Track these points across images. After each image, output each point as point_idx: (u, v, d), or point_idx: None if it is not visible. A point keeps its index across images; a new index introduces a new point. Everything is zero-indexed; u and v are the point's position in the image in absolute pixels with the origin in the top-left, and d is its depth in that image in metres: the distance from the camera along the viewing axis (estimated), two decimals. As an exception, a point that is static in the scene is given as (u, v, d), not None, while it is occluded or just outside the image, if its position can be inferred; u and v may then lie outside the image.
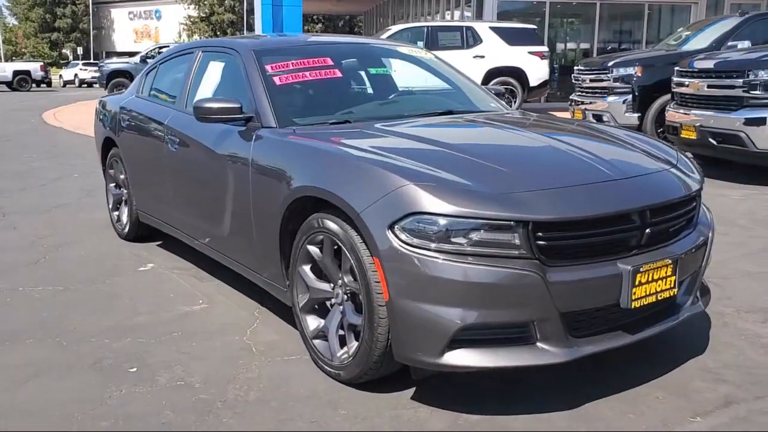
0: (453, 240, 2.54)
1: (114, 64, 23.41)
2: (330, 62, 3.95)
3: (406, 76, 4.30)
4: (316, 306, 3.16)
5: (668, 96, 9.53)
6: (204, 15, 59.96)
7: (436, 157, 2.90)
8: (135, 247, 5.23)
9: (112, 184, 5.55)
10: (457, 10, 22.28)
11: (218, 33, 58.99)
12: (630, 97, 9.75)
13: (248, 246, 3.56)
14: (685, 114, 8.03)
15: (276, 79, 3.75)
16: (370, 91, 4.22)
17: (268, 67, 3.81)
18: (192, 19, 60.50)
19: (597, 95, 10.33)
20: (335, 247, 2.96)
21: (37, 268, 4.73)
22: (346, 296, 2.97)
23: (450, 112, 3.86)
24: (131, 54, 40.40)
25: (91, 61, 47.58)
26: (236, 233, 3.68)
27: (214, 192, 3.81)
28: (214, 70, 4.23)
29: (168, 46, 25.53)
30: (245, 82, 3.77)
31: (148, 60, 22.88)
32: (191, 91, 4.34)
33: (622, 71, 9.83)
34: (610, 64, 10.01)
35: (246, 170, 3.44)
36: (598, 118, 9.98)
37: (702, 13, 16.73)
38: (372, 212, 2.67)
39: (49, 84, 37.75)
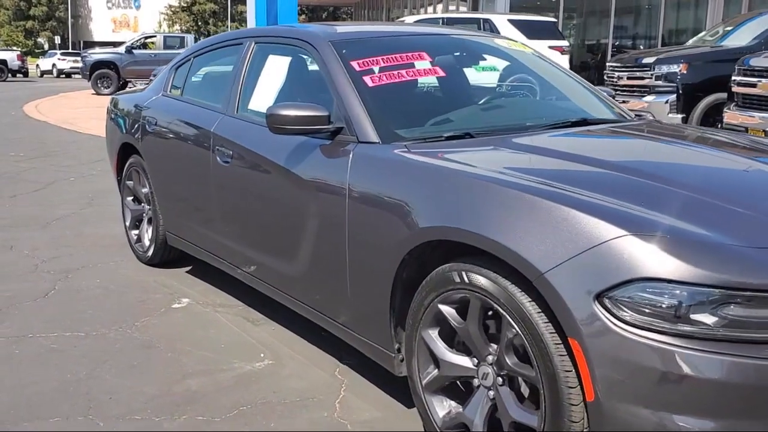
0: (695, 318, 1.78)
1: (98, 54, 22.30)
2: (427, 58, 3.15)
3: (508, 74, 3.52)
4: (447, 384, 2.38)
5: (716, 96, 8.86)
6: (185, 4, 58.57)
7: (636, 191, 2.12)
8: (161, 274, 4.39)
9: (130, 198, 4.71)
10: (452, 2, 21.54)
11: (200, 23, 57.76)
12: (674, 96, 9.04)
13: (337, 293, 2.77)
14: (750, 117, 7.34)
15: (367, 80, 2.94)
16: (477, 94, 3.43)
17: (354, 64, 3.00)
18: (173, 9, 59.08)
19: (634, 94, 9.61)
20: (487, 311, 2.18)
21: (46, 304, 3.88)
22: (500, 379, 2.19)
23: (585, 122, 3.09)
24: (109, 44, 39.12)
25: (70, 50, 46.10)
26: (317, 275, 2.89)
27: (286, 221, 3.01)
28: (276, 67, 3.41)
29: (154, 36, 24.54)
30: (328, 84, 2.97)
31: (134, 50, 21.88)
32: (244, 93, 3.51)
33: (665, 69, 9.12)
34: (651, 60, 9.29)
35: (339, 199, 2.64)
36: (637, 118, 9.27)
37: (720, 8, 16.13)
38: (565, 273, 1.89)
39: (26, 74, 36.35)
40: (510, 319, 2.05)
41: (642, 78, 9.40)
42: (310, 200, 2.82)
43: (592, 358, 1.84)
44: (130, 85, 22.57)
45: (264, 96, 3.37)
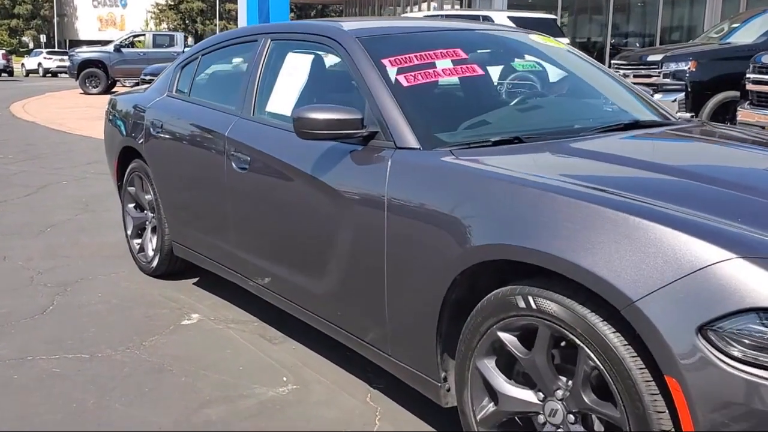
0: (817, 355, 1.54)
1: (85, 53, 21.86)
2: (463, 55, 2.90)
3: (549, 72, 3.27)
4: (505, 420, 2.13)
5: (725, 94, 8.69)
6: (173, 3, 58.05)
7: (733, 205, 1.88)
8: (166, 287, 4.12)
9: (132, 205, 4.43)
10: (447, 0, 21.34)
11: (187, 21, 57.26)
12: (682, 94, 8.84)
13: (371, 313, 2.52)
14: (765, 115, 7.15)
15: (401, 79, 2.69)
16: (516, 94, 3.18)
17: (385, 63, 2.75)
18: (160, 7, 58.53)
19: (640, 92, 9.40)
20: (559, 341, 1.94)
21: (45, 321, 3.60)
22: (571, 416, 1.94)
23: (638, 124, 2.84)
24: (96, 43, 38.53)
25: (56, 49, 45.50)
26: (348, 293, 2.63)
27: (312, 232, 2.75)
28: (296, 66, 3.15)
29: (143, 35, 24.14)
30: (358, 84, 2.71)
31: (123, 49, 21.49)
32: (261, 94, 3.25)
33: (673, 66, 8.93)
34: (658, 58, 9.09)
35: (377, 211, 2.39)
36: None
37: (718, 6, 15.98)
38: (661, 302, 1.65)
39: (10, 73, 35.81)
40: (589, 352, 1.81)
41: (649, 76, 9.20)
42: (341, 211, 2.57)
43: (694, 399, 1.60)
44: (118, 84, 22.22)
45: (284, 97, 3.11)
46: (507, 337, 2.04)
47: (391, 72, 2.71)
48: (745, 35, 9.66)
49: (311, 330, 3.02)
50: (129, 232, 4.45)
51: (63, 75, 34.24)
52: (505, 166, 2.19)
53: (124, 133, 4.33)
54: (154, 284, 4.16)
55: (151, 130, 3.94)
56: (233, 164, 3.19)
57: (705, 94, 8.87)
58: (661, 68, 8.99)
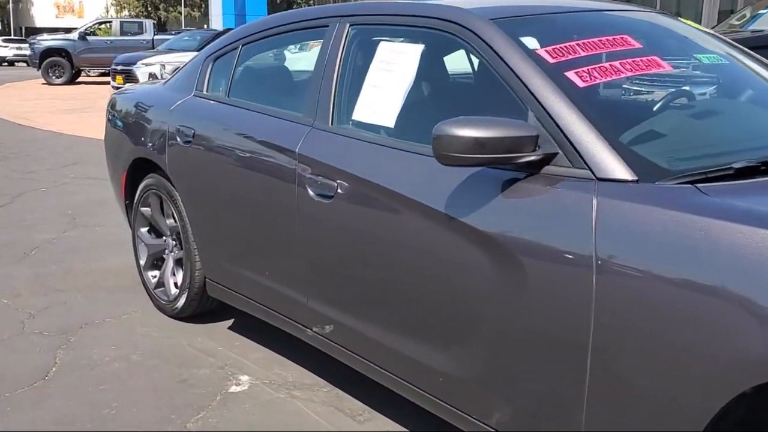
0: None
1: (48, 41, 20.52)
2: (635, 44, 2.15)
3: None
4: None
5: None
6: (134, -11, 56.18)
7: None
8: (196, 333, 3.31)
9: (145, 229, 3.60)
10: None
11: (150, 9, 55.51)
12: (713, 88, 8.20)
13: (552, 418, 1.77)
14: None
15: (574, 78, 1.93)
16: (718, 96, 2.45)
17: (542, 54, 1.99)
18: (121, -7, 56.59)
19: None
20: None
21: (50, 390, 2.78)
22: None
23: None
24: (53, 30, 36.75)
25: (13, 37, 43.52)
26: (510, 382, 1.87)
27: (446, 290, 1.98)
28: (393, 60, 2.35)
29: (110, 22, 22.85)
30: (510, 85, 1.94)
31: (88, 37, 20.26)
32: (343, 97, 2.46)
33: (705, 57, 8.29)
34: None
35: (574, 273, 1.63)
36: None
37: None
38: None
39: (-36, 62, 34.06)
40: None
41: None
42: (502, 265, 1.80)
43: None
44: (83, 74, 20.98)
45: (379, 102, 2.32)
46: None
47: (556, 67, 1.95)
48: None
49: (404, 402, 2.27)
50: (142, 263, 3.62)
51: (20, 64, 32.60)
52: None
53: (136, 141, 3.49)
54: (179, 330, 3.34)
55: (178, 139, 3.11)
56: (309, 190, 2.39)
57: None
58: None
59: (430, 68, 2.42)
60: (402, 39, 2.38)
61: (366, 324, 2.34)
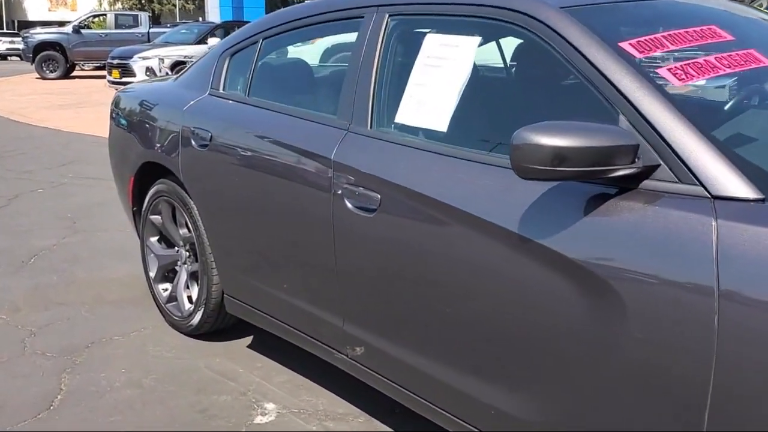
0: None
1: (41, 34, 20.10)
2: (726, 35, 1.88)
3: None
4: None
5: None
6: (127, -19, 55.55)
7: None
8: (213, 353, 3.04)
9: (155, 238, 3.32)
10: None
11: (143, 1, 54.92)
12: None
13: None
14: None
15: (667, 75, 1.66)
16: None
17: (626, 48, 1.72)
18: (114, -14, 55.96)
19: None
20: None
21: (57, 422, 2.51)
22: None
23: None
24: (46, 23, 36.26)
25: (6, 30, 43.00)
26: (608, 419, 1.61)
27: (531, 329, 1.71)
28: (443, 55, 2.07)
29: (104, 15, 22.45)
30: (596, 84, 1.66)
31: (83, 30, 19.88)
32: (383, 96, 2.19)
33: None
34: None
35: (702, 307, 1.36)
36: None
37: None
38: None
39: (-45, 56, 33.53)
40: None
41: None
42: (593, 296, 1.54)
43: None
44: (78, 68, 20.61)
45: (428, 103, 2.05)
46: None
47: (644, 64, 1.68)
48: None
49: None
50: (152, 275, 3.34)
51: (13, 58, 32.12)
52: None
53: (145, 143, 3.21)
54: (195, 350, 3.07)
55: (193, 143, 2.83)
56: (347, 202, 2.12)
57: None
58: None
59: (488, 64, 2.15)
60: (452, 31, 2.10)
61: (410, 352, 2.08)
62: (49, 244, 4.57)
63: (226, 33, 15.69)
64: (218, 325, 3.09)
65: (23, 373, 2.87)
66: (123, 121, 3.46)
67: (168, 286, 3.30)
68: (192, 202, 2.94)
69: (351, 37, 2.38)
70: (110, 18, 20.94)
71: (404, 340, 2.10)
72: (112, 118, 3.61)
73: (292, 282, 2.52)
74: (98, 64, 21.11)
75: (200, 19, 32.97)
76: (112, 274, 4.00)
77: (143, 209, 3.31)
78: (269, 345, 3.03)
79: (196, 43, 14.87)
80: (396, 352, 2.12)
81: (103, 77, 19.00)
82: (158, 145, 3.10)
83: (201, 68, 3.10)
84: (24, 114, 11.76)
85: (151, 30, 20.08)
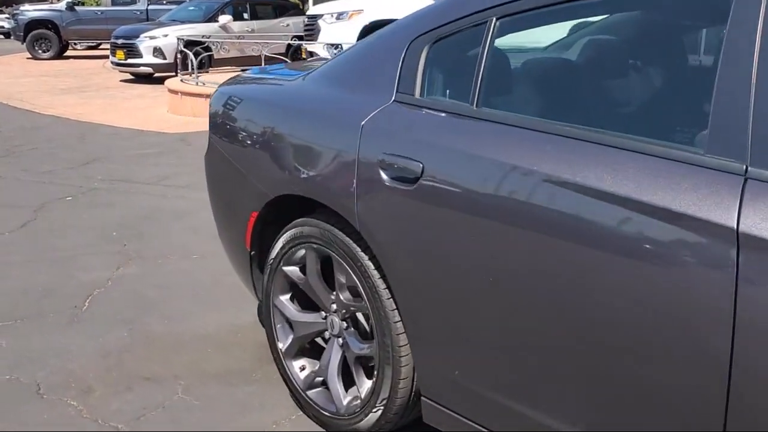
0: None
1: (33, 11, 18.76)
2: None
3: None
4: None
5: None
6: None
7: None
8: (394, 473, 2.12)
9: (286, 297, 2.37)
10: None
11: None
12: None
13: None
14: None
15: None
16: None
17: None
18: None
19: None
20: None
21: None
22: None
23: None
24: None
25: (-10, 7, 41.21)
26: None
27: None
28: None
29: (97, -9, 21.07)
30: None
31: (77, 7, 18.60)
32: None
33: None
34: None
35: None
36: None
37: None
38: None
39: (-63, 34, 31.96)
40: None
41: None
42: None
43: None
44: (71, 47, 19.34)
45: None
46: None
47: None
48: None
49: None
50: (282, 347, 2.39)
51: (8, 37, 30.66)
52: None
53: (283, 167, 2.25)
54: (366, 467, 2.15)
55: (383, 175, 1.88)
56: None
57: None
58: None
59: None
60: None
61: None
62: (101, 279, 3.60)
63: (236, 10, 14.53)
64: (394, 429, 2.17)
65: None
66: (237, 133, 2.49)
67: (304, 363, 2.37)
68: (366, 258, 2.00)
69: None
70: (106, -6, 19.65)
71: None
72: (211, 125, 2.65)
73: (573, 397, 1.60)
74: (92, 44, 19.91)
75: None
76: (200, 326, 3.06)
77: (272, 257, 2.35)
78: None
79: (205, 21, 13.75)
80: None
81: (99, 57, 17.85)
82: (309, 172, 2.14)
83: (372, 60, 2.13)
84: (24, 99, 10.68)
85: (150, 7, 18.84)
